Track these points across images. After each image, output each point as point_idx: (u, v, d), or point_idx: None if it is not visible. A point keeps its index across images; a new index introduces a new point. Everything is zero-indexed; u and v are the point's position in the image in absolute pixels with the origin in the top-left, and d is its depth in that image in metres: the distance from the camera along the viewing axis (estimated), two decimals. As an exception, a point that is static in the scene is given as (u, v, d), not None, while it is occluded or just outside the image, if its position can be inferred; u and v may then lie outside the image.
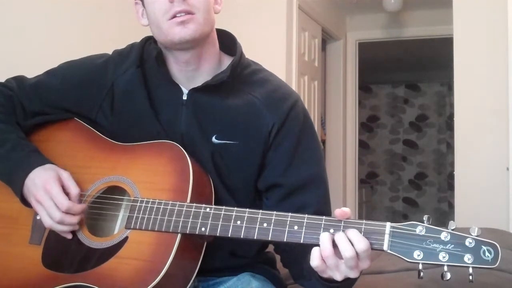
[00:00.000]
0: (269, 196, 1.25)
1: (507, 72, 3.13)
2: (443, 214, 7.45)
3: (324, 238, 0.99)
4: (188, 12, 1.17)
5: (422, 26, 5.16)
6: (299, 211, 1.06)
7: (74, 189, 1.20)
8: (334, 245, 0.99)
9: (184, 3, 1.16)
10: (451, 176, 6.78)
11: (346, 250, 0.97)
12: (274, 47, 3.86)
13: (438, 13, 4.79)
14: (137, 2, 1.27)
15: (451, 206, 7.03)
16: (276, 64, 3.64)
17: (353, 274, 0.99)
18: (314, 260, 0.99)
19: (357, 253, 0.97)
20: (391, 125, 8.00)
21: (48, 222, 1.18)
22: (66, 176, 1.22)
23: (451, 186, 6.80)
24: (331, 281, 1.04)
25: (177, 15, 1.17)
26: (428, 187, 7.75)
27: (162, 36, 1.21)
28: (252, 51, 1.46)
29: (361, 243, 0.97)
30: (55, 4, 2.52)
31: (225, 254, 1.25)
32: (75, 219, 1.18)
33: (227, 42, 1.31)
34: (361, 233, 0.98)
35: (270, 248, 1.36)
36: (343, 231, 0.99)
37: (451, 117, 6.17)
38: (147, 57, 1.30)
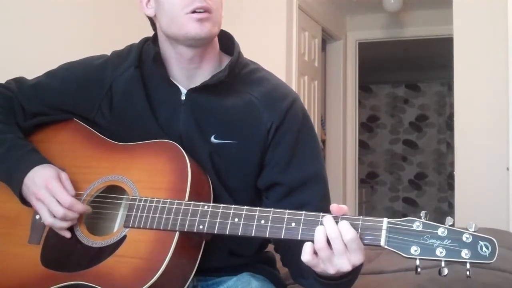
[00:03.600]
0: (269, 195, 1.25)
1: (507, 72, 3.13)
2: (443, 214, 7.45)
3: (319, 230, 1.00)
4: (207, 10, 1.17)
5: (422, 26, 5.16)
6: (299, 209, 1.06)
7: (70, 191, 1.20)
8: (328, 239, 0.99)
9: (205, 0, 1.17)
10: (451, 176, 6.78)
11: (335, 239, 0.98)
12: (274, 47, 3.86)
13: (438, 13, 4.79)
14: None
15: (451, 206, 7.04)
16: (276, 64, 3.64)
17: (345, 267, 0.99)
18: (305, 255, 1.00)
19: (345, 244, 0.97)
20: (391, 125, 8.00)
21: (48, 220, 1.19)
22: (64, 177, 1.22)
23: (451, 186, 6.81)
24: (328, 278, 1.04)
25: (197, 11, 1.17)
26: (428, 187, 7.76)
27: (175, 28, 1.20)
28: (252, 51, 1.46)
29: (348, 234, 0.98)
30: (55, 5, 2.52)
31: (225, 253, 1.25)
32: (76, 214, 1.19)
33: (226, 42, 1.31)
34: (358, 229, 0.99)
35: (270, 247, 1.36)
36: (336, 223, 1.00)
37: (451, 117, 6.17)
38: (146, 57, 1.30)
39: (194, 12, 1.17)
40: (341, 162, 5.18)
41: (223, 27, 1.32)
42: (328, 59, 5.26)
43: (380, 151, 8.00)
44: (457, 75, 3.52)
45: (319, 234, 0.99)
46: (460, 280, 0.97)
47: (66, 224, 1.19)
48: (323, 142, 5.08)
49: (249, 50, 1.38)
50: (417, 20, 5.17)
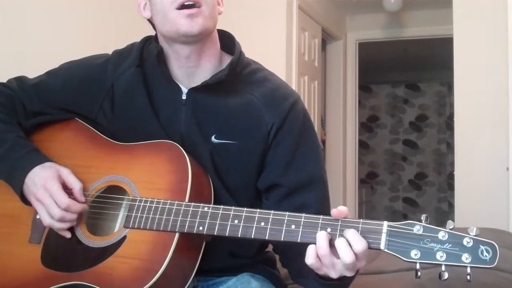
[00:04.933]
0: (269, 196, 1.25)
1: (507, 72, 3.13)
2: (443, 214, 7.45)
3: (321, 236, 0.99)
4: (196, 3, 1.17)
5: (422, 26, 5.16)
6: (298, 211, 1.05)
7: (76, 184, 1.20)
8: (331, 244, 0.98)
9: None
10: (451, 176, 6.78)
11: (346, 255, 0.96)
12: (274, 47, 3.86)
13: (438, 13, 4.79)
14: None
15: (451, 206, 7.03)
16: (276, 64, 3.64)
17: (349, 273, 0.99)
18: (309, 258, 0.99)
19: (356, 255, 0.97)
20: (391, 125, 8.00)
21: (47, 221, 1.19)
22: (66, 172, 1.22)
23: (451, 186, 6.80)
24: (328, 279, 1.03)
25: (185, 4, 1.16)
26: (428, 187, 7.75)
27: (167, 26, 1.20)
28: (252, 51, 1.46)
29: (360, 244, 0.96)
30: (56, 4, 2.52)
31: (225, 254, 1.25)
32: (75, 216, 1.19)
33: (227, 42, 1.31)
34: (358, 232, 0.98)
35: (270, 248, 1.36)
36: (341, 234, 0.98)
37: (451, 117, 6.17)
38: (147, 56, 1.29)
39: (183, 7, 1.16)
40: (341, 162, 5.18)
41: (223, 27, 1.32)
42: (328, 59, 5.26)
43: (380, 151, 7.99)
44: (457, 75, 3.53)
45: (321, 241, 0.98)
46: (460, 280, 0.96)
47: (64, 225, 1.19)
48: (323, 142, 5.08)
49: (249, 50, 1.38)
50: (417, 20, 5.17)
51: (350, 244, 0.97)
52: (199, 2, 1.17)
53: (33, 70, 1.43)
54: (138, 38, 1.35)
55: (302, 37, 4.20)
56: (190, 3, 1.16)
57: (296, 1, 4.02)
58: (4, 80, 1.40)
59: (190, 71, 1.26)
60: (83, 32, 2.68)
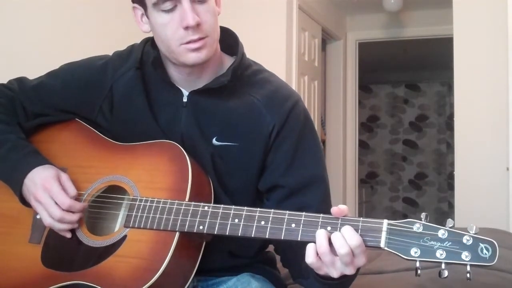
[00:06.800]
0: (270, 197, 1.25)
1: (507, 72, 3.12)
2: (443, 214, 7.45)
3: (320, 234, 0.99)
4: (202, 38, 1.16)
5: (422, 26, 5.17)
6: (300, 212, 1.05)
7: (71, 191, 1.20)
8: (330, 242, 0.99)
9: (198, 30, 1.15)
10: (451, 176, 6.78)
11: (341, 247, 0.97)
12: (274, 47, 3.86)
13: (438, 13, 4.79)
14: (135, 6, 1.23)
15: (451, 206, 7.04)
16: (276, 64, 3.64)
17: (349, 271, 0.99)
18: (309, 257, 1.00)
19: (351, 249, 0.97)
20: (391, 125, 8.00)
21: (47, 221, 1.19)
22: (64, 177, 1.22)
23: (451, 186, 6.80)
24: (328, 278, 1.04)
25: (192, 41, 1.15)
26: (428, 187, 7.75)
27: (172, 55, 1.19)
28: (252, 51, 1.46)
29: (354, 239, 0.97)
30: (57, 5, 2.52)
31: (225, 254, 1.25)
32: (75, 217, 1.19)
33: (229, 41, 1.31)
34: (358, 230, 0.99)
35: (270, 248, 1.36)
36: (339, 229, 0.99)
37: (451, 117, 6.17)
38: (147, 59, 1.29)
39: (189, 42, 1.15)
40: (341, 162, 5.18)
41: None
42: (328, 59, 5.26)
43: (380, 151, 7.99)
44: (457, 75, 3.53)
45: (321, 239, 0.99)
46: (460, 280, 0.96)
47: (65, 226, 1.19)
48: (323, 142, 5.08)
49: (249, 50, 1.38)
50: (417, 20, 5.17)
51: (345, 239, 0.97)
52: (205, 36, 1.16)
53: (34, 70, 1.44)
54: (139, 39, 1.35)
55: (302, 37, 4.21)
56: (196, 40, 1.15)
57: (296, 1, 4.03)
58: (5, 81, 1.40)
59: (192, 82, 1.26)
60: (84, 33, 2.68)
